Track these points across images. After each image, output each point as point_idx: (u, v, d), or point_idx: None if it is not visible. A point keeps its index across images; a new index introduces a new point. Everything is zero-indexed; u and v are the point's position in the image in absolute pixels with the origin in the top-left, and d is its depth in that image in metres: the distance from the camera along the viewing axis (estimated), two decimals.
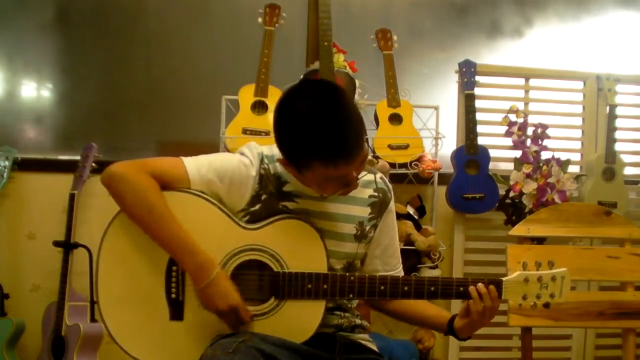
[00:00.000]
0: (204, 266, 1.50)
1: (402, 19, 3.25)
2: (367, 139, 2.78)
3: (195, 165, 1.57)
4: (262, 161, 1.59)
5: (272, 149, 1.61)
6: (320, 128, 1.41)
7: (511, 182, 2.87)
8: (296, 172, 1.52)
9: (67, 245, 2.66)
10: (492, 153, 2.95)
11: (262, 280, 1.55)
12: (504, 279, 1.59)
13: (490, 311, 1.55)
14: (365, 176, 1.69)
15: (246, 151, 1.61)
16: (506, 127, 2.94)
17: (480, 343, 2.97)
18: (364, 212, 1.66)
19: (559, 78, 3.17)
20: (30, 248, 2.90)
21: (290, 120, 1.46)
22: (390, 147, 2.80)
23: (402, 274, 1.77)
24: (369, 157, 2.74)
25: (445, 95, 3.07)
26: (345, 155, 1.42)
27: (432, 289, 1.57)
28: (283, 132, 1.48)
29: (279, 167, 1.59)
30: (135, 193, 1.51)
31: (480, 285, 1.56)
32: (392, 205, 1.74)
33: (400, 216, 2.76)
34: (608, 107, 3.05)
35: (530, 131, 2.93)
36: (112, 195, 1.54)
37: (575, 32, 3.39)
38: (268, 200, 1.58)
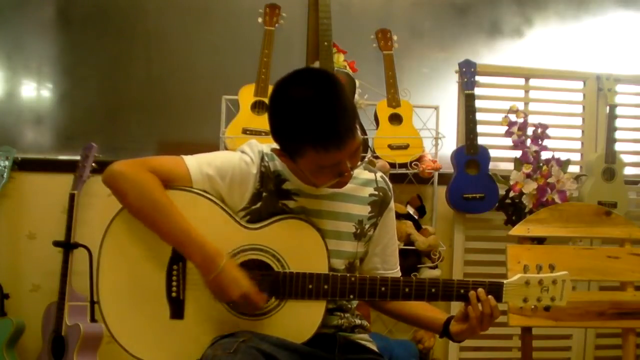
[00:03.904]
0: (212, 256, 1.49)
1: (402, 19, 3.25)
2: (366, 138, 2.81)
3: (197, 163, 1.57)
4: (262, 159, 1.60)
5: (271, 148, 1.61)
6: (312, 112, 1.42)
7: (511, 182, 2.87)
8: (290, 162, 1.53)
9: (67, 245, 2.66)
10: (492, 153, 2.95)
11: (263, 280, 1.55)
12: (505, 281, 1.58)
13: (489, 319, 1.54)
14: (366, 175, 1.70)
15: (247, 149, 1.62)
16: (506, 127, 2.95)
17: (480, 343, 2.97)
18: (364, 210, 1.66)
19: (559, 78, 3.17)
20: (30, 248, 2.90)
21: (283, 105, 1.47)
22: (390, 147, 2.80)
23: (399, 274, 1.77)
24: (369, 157, 2.75)
25: (445, 95, 3.07)
26: (336, 140, 1.43)
27: (433, 290, 1.57)
28: (276, 118, 1.49)
29: (279, 165, 1.60)
30: (137, 190, 1.51)
31: (480, 290, 1.55)
32: (392, 204, 1.74)
33: (400, 216, 2.76)
34: (608, 107, 3.05)
35: (530, 131, 2.93)
36: (114, 194, 1.54)
37: (575, 32, 3.39)
38: (268, 198, 1.58)
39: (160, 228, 1.52)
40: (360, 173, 1.68)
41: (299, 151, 1.47)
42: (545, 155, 2.91)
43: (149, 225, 1.52)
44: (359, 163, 1.59)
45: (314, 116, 1.42)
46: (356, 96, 2.83)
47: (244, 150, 1.62)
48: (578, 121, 3.17)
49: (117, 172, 1.53)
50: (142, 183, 1.51)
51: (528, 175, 2.85)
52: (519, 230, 2.16)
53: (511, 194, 2.86)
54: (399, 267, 1.78)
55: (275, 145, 1.55)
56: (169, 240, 1.52)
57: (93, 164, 2.74)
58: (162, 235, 1.52)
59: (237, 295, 1.48)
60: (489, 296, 1.55)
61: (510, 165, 2.94)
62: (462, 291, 1.56)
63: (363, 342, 1.68)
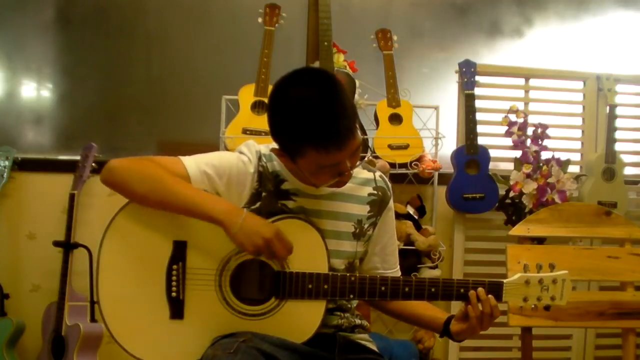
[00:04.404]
0: (233, 208, 1.49)
1: (402, 19, 3.25)
2: (366, 138, 2.81)
3: (195, 163, 1.57)
4: (260, 159, 1.60)
5: (269, 148, 1.62)
6: (313, 113, 1.42)
7: (511, 182, 2.87)
8: (290, 162, 1.53)
9: (67, 245, 2.66)
10: (492, 153, 2.95)
11: (263, 279, 1.55)
12: (505, 280, 1.58)
13: (489, 318, 1.55)
14: (365, 174, 1.70)
15: (244, 149, 1.62)
16: (506, 127, 2.95)
17: (480, 343, 2.97)
18: (363, 210, 1.67)
19: (559, 78, 3.17)
20: (30, 248, 2.90)
21: (284, 105, 1.47)
22: (390, 147, 2.80)
23: (399, 273, 1.77)
24: (369, 157, 2.75)
25: (445, 95, 3.07)
26: (337, 140, 1.43)
27: (433, 290, 1.57)
28: (276, 118, 1.49)
29: (277, 166, 1.60)
30: (140, 175, 1.51)
31: (480, 290, 1.55)
32: (392, 203, 1.74)
33: (400, 216, 2.76)
34: (608, 107, 3.05)
35: (530, 131, 2.93)
36: (116, 188, 1.53)
37: (575, 32, 3.39)
38: (267, 198, 1.58)
39: (172, 201, 1.50)
40: (359, 172, 1.68)
41: (299, 151, 1.47)
42: (545, 155, 2.91)
43: (159, 204, 1.51)
44: (358, 162, 1.59)
45: (314, 116, 1.42)
46: (356, 96, 2.83)
47: (241, 150, 1.62)
48: (578, 121, 3.17)
49: (116, 167, 1.52)
50: (142, 169, 1.51)
51: (528, 175, 2.86)
52: (519, 230, 2.15)
53: (511, 194, 2.86)
54: (398, 267, 1.78)
55: (275, 146, 1.55)
56: (184, 209, 1.50)
57: (93, 164, 2.75)
58: (175, 207, 1.50)
59: (270, 233, 1.47)
60: (489, 295, 1.55)
61: (510, 165, 2.94)
62: (462, 290, 1.56)
63: (363, 342, 1.68)
